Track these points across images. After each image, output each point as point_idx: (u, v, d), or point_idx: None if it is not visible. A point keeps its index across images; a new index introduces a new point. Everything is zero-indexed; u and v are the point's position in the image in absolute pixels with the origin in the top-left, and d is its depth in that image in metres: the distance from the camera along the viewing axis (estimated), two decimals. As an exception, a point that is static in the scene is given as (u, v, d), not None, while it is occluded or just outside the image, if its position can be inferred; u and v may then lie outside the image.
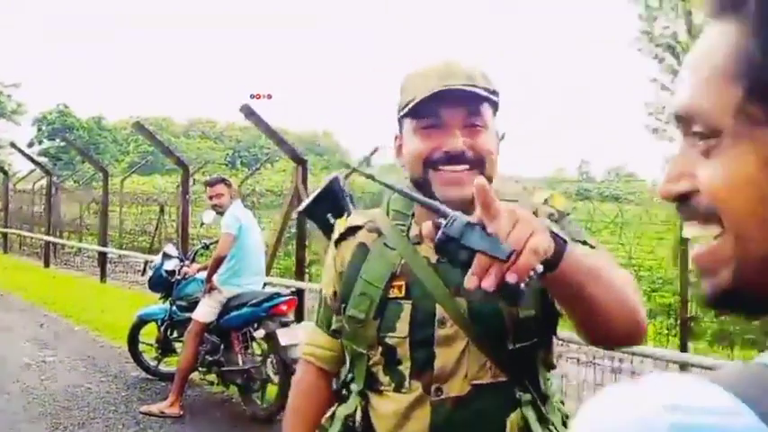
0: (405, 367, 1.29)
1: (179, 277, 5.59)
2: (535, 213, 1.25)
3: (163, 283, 5.74)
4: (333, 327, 1.43)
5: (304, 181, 7.06)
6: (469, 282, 0.88)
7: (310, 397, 1.49)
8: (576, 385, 5.87)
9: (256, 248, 5.38)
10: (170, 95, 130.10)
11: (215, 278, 5.14)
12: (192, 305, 5.38)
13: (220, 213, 5.29)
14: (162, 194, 18.15)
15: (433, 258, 1.28)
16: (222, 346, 5.26)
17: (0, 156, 31.41)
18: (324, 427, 1.43)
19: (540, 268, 0.90)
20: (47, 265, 14.46)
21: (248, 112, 6.88)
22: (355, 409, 1.36)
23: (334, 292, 1.41)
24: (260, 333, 5.06)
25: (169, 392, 5.22)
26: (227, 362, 5.22)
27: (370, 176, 1.37)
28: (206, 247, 5.98)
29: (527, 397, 1.28)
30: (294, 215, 6.94)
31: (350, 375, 1.41)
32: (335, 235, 1.44)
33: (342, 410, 1.39)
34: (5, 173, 18.12)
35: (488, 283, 0.86)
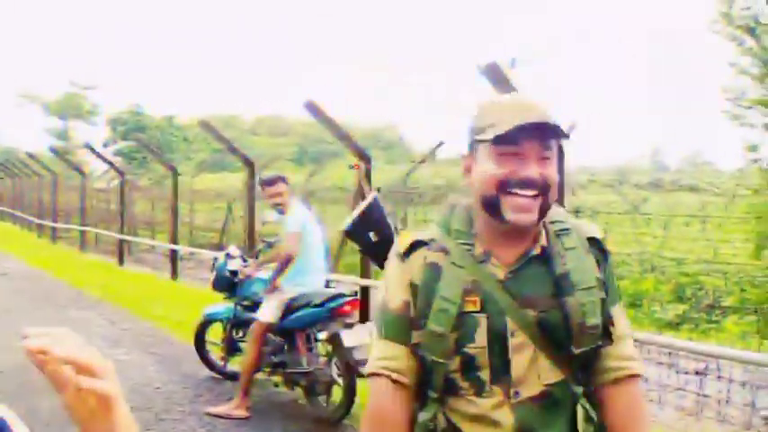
0: (484, 374, 1.42)
1: (241, 277, 5.56)
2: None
3: (226, 284, 5.72)
4: (413, 340, 1.47)
5: (368, 176, 6.99)
6: None
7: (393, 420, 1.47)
8: (657, 389, 5.56)
9: (317, 246, 5.28)
10: (239, 93, 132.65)
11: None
12: (256, 305, 5.32)
13: (281, 212, 5.20)
14: (231, 191, 18.39)
15: (500, 276, 1.45)
16: (286, 347, 5.19)
17: (78, 156, 32.54)
18: None
19: None
20: (121, 262, 14.84)
21: (312, 109, 6.84)
22: (435, 415, 1.45)
23: (406, 303, 1.47)
24: (323, 335, 4.96)
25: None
26: (292, 363, 5.14)
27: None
28: (269, 245, 5.90)
29: (580, 389, 1.45)
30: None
31: (425, 383, 1.48)
32: (401, 248, 1.53)
33: (422, 416, 1.46)
34: (82, 173, 18.69)
35: None
